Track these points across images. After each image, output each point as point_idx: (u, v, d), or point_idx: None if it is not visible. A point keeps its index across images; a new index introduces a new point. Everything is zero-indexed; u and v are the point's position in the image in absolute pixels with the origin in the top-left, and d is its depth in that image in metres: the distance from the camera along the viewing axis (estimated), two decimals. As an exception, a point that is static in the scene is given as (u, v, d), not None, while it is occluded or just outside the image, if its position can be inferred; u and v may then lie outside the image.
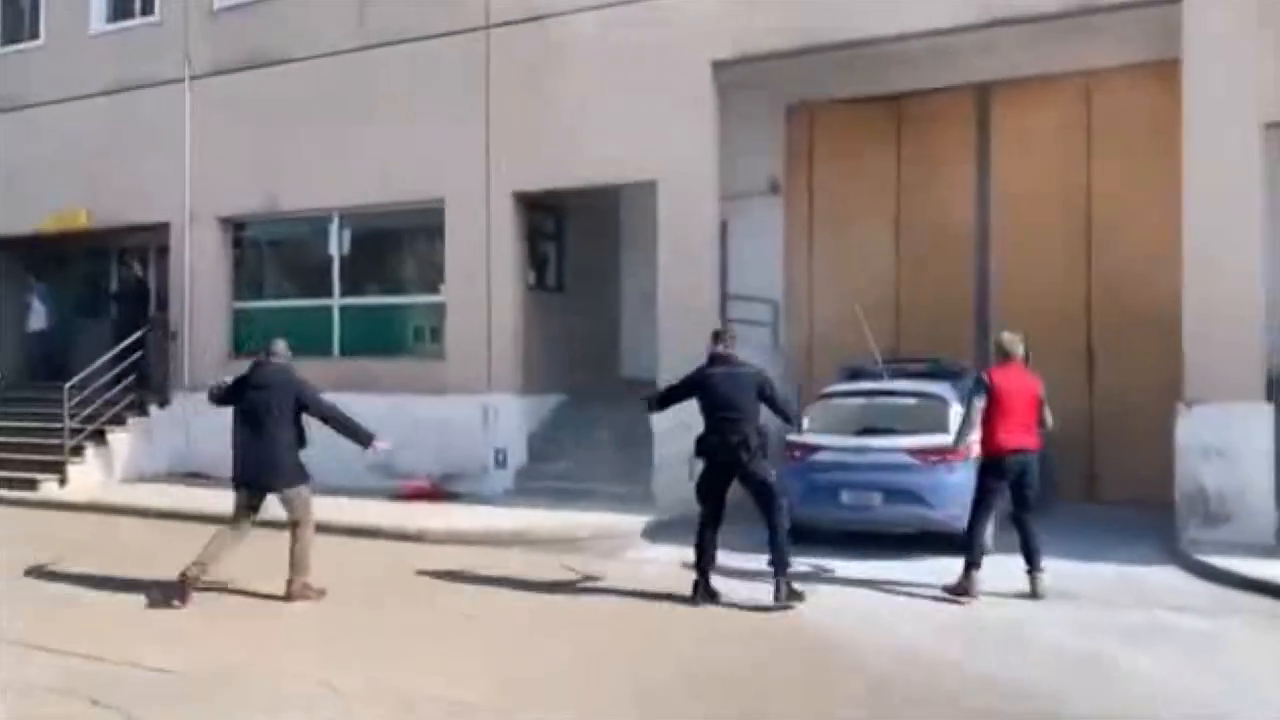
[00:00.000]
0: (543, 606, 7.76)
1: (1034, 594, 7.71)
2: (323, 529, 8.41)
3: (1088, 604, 7.56)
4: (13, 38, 16.96)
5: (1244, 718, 5.27)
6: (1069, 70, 11.96)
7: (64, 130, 15.83)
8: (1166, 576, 8.37)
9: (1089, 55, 11.49)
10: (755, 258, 13.67)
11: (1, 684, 5.84)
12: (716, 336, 8.23)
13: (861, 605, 7.65)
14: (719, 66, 11.51)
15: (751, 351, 12.77)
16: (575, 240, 14.22)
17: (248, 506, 7.90)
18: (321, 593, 7.77)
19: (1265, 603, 7.54)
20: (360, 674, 6.01)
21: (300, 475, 7.90)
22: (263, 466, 7.78)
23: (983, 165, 12.93)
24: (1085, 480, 11.88)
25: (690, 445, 8.01)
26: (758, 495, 7.70)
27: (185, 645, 6.65)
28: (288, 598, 7.70)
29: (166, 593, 7.68)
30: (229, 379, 8.35)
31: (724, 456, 7.64)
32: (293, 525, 7.86)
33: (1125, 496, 11.15)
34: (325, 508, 9.08)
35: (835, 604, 7.64)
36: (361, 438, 8.09)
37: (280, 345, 8.18)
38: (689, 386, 7.97)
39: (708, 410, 7.77)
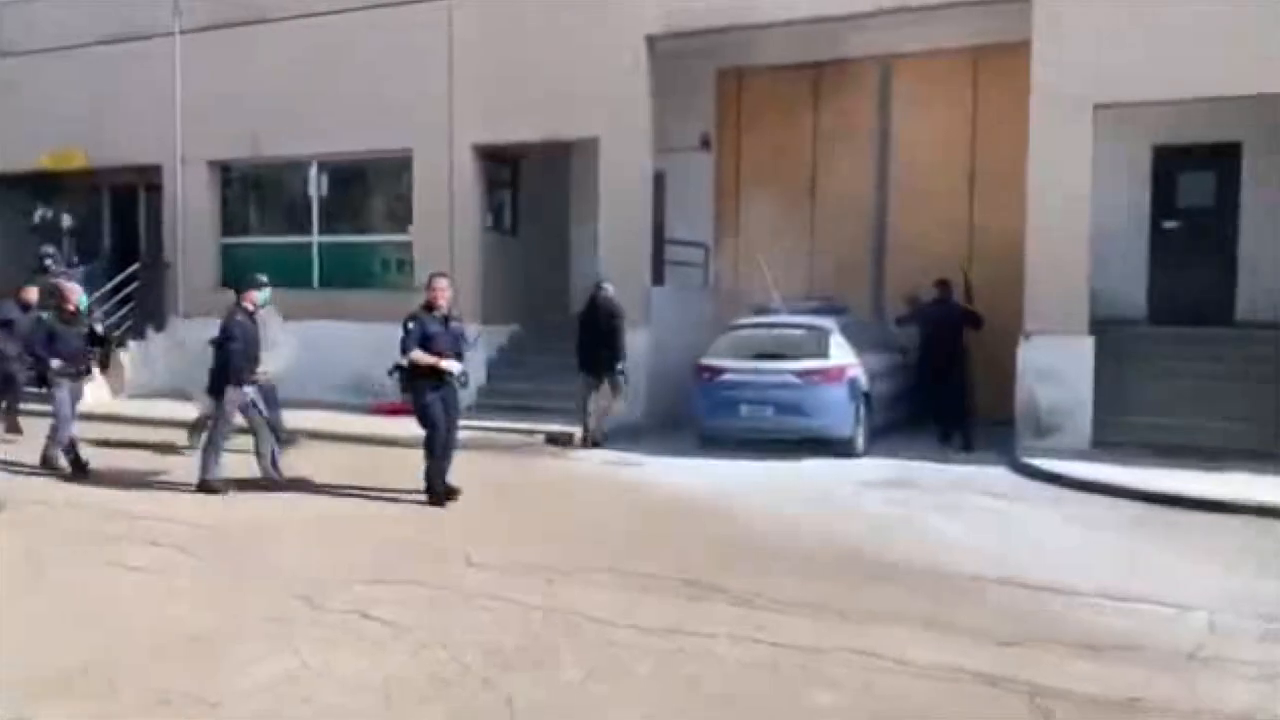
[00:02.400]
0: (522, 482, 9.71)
1: None
2: (318, 436, 10.26)
3: (920, 491, 9.59)
4: (12, -11, 18.23)
5: (994, 554, 7.26)
6: (958, 46, 13.79)
7: (64, 76, 17.18)
8: (994, 473, 10.42)
9: (974, 33, 13.26)
10: (689, 206, 15.54)
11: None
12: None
13: (750, 486, 9.62)
14: (652, 39, 13.20)
15: (685, 290, 14.83)
16: (529, 188, 15.97)
17: None
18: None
19: (1060, 491, 9.60)
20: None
21: None
22: None
23: (884, 129, 14.81)
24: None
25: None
26: None
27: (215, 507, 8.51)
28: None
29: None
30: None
31: None
32: None
33: (998, 415, 13.13)
34: (317, 420, 11.06)
35: (735, 486, 9.63)
36: None
37: None
38: None
39: None
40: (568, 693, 4.61)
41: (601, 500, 9.23)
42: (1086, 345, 11.23)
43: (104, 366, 10.18)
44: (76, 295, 10.55)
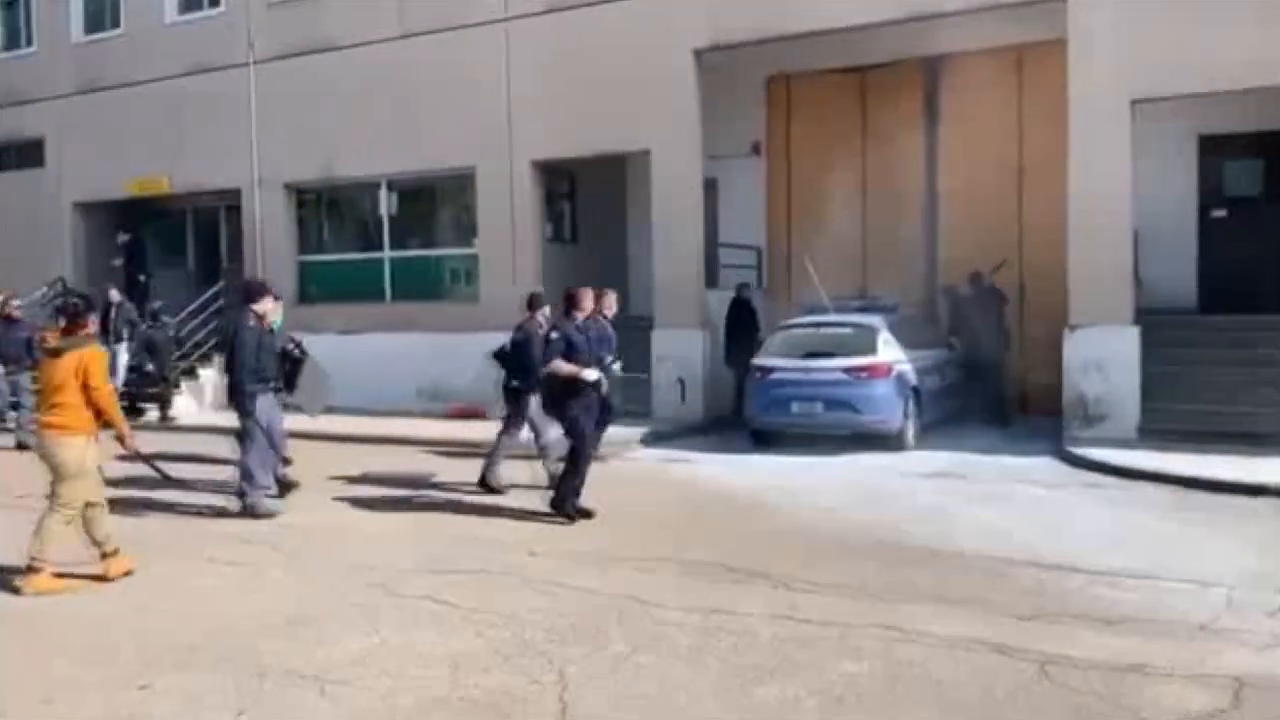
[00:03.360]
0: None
1: None
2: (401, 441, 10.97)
3: (965, 481, 9.94)
4: (95, 27, 19.39)
5: (1027, 539, 7.60)
6: (1002, 45, 14.04)
7: (145, 109, 18.27)
8: (1039, 464, 10.72)
9: (1017, 32, 13.49)
10: (741, 211, 16.02)
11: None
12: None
13: (799, 481, 10.07)
14: (699, 53, 13.70)
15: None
16: (587, 199, 16.60)
17: None
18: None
19: (1102, 478, 9.89)
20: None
21: None
22: None
23: (931, 129, 15.13)
24: (1019, 397, 14.17)
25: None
26: None
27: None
28: None
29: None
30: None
31: None
32: None
33: (1051, 409, 13.33)
34: (398, 426, 11.84)
35: (784, 480, 10.08)
36: None
37: None
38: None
39: None
40: (616, 663, 5.14)
41: (655, 495, 9.72)
42: (1132, 335, 11.45)
43: (290, 387, 9.67)
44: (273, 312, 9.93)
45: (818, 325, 12.22)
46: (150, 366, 15.42)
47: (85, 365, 6.60)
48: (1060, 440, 11.45)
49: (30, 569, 6.58)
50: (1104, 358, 11.48)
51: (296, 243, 17.62)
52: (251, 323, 8.97)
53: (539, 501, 8.83)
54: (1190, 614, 5.78)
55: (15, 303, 13.81)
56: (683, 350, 13.75)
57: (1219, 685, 4.72)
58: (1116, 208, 11.44)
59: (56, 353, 6.71)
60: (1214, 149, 13.17)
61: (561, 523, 8.32)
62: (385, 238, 16.85)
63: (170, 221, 20.33)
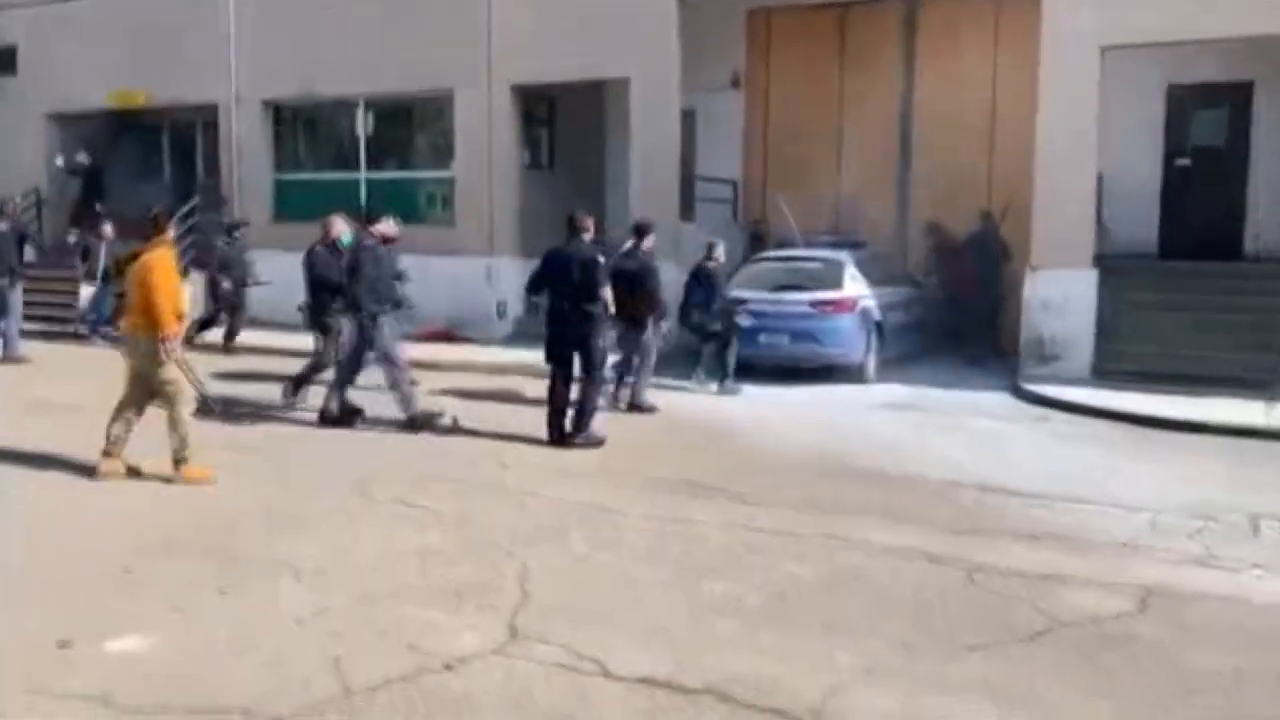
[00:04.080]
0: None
1: None
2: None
3: (921, 413, 10.32)
4: (76, -69, 19.05)
5: (973, 465, 7.98)
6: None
7: (122, 20, 18.03)
8: (994, 399, 11.09)
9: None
10: (719, 144, 16.14)
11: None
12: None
13: (762, 410, 10.41)
14: (682, -18, 13.75)
15: (714, 224, 15.47)
16: (565, 126, 16.65)
17: None
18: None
19: (1052, 413, 10.29)
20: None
21: None
22: None
23: (909, 69, 15.27)
24: (993, 334, 14.42)
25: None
26: None
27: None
28: None
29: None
30: None
31: None
32: None
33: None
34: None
35: (750, 410, 10.42)
36: None
37: None
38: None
39: None
40: (576, 560, 5.50)
41: (624, 422, 10.00)
42: (1089, 278, 11.79)
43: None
44: (338, 228, 10.04)
45: (787, 259, 12.49)
46: (226, 284, 13.88)
47: (148, 266, 6.94)
48: (1015, 377, 11.84)
49: (177, 462, 7.01)
50: (1062, 299, 11.82)
51: (273, 160, 17.60)
52: (370, 243, 9.14)
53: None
54: (1114, 533, 6.20)
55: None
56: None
57: (1128, 593, 5.12)
58: (1082, 153, 11.70)
59: (134, 258, 7.12)
60: (1182, 98, 13.43)
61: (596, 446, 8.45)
62: (362, 158, 16.87)
63: (146, 136, 20.20)
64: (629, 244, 10.52)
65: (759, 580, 5.21)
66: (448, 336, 15.00)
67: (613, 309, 8.91)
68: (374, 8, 15.73)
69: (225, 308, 13.98)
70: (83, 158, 18.80)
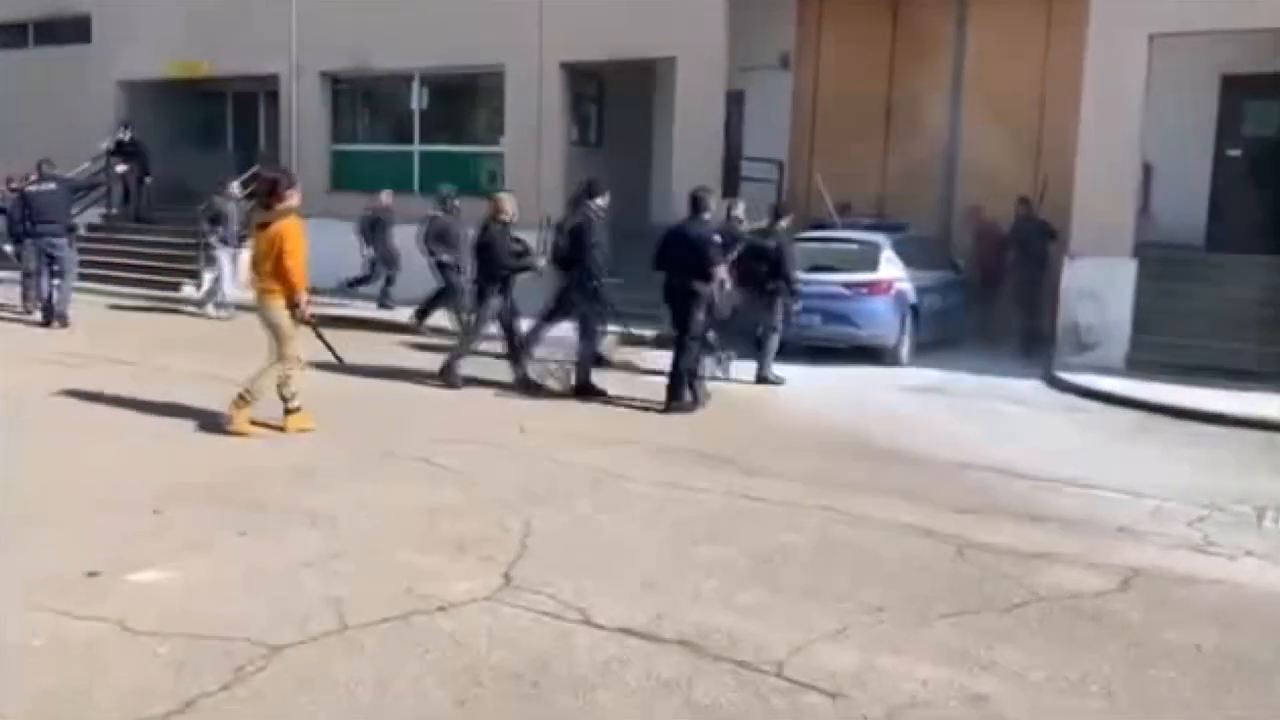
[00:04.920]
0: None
1: None
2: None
3: (949, 397, 10.38)
4: (143, -94, 19.62)
5: (989, 448, 8.05)
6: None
7: (188, -9, 18.59)
8: (1025, 385, 11.10)
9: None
10: (767, 124, 16.20)
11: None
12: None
13: (789, 387, 10.55)
14: (733, -40, 13.82)
15: (755, 204, 15.53)
16: (614, 104, 16.86)
17: None
18: None
19: (1081, 401, 10.31)
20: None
21: None
22: None
23: (959, 54, 15.18)
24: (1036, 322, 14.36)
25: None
26: None
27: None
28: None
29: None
30: None
31: None
32: None
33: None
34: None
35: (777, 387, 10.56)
36: None
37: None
38: None
39: None
40: (578, 520, 5.75)
41: (649, 392, 10.19)
42: (1129, 268, 11.72)
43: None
44: (510, 205, 10.14)
45: (824, 240, 12.56)
46: (446, 258, 13.02)
47: (281, 234, 7.30)
48: (1049, 364, 11.82)
49: (242, 400, 7.36)
50: (1100, 288, 11.77)
51: (330, 131, 18.04)
52: (594, 217, 9.70)
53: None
54: (1115, 518, 6.27)
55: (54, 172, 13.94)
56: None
57: (1113, 572, 5.22)
58: (1126, 142, 11.62)
59: (263, 225, 7.44)
60: (1236, 88, 13.20)
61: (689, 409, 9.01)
62: (416, 131, 17.25)
63: (210, 105, 20.79)
64: (764, 222, 11.00)
65: (750, 546, 5.40)
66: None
67: (728, 283, 9.44)
68: (430, -17, 16.03)
69: (446, 287, 13.10)
70: (124, 133, 18.68)
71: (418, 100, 17.25)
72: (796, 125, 16.45)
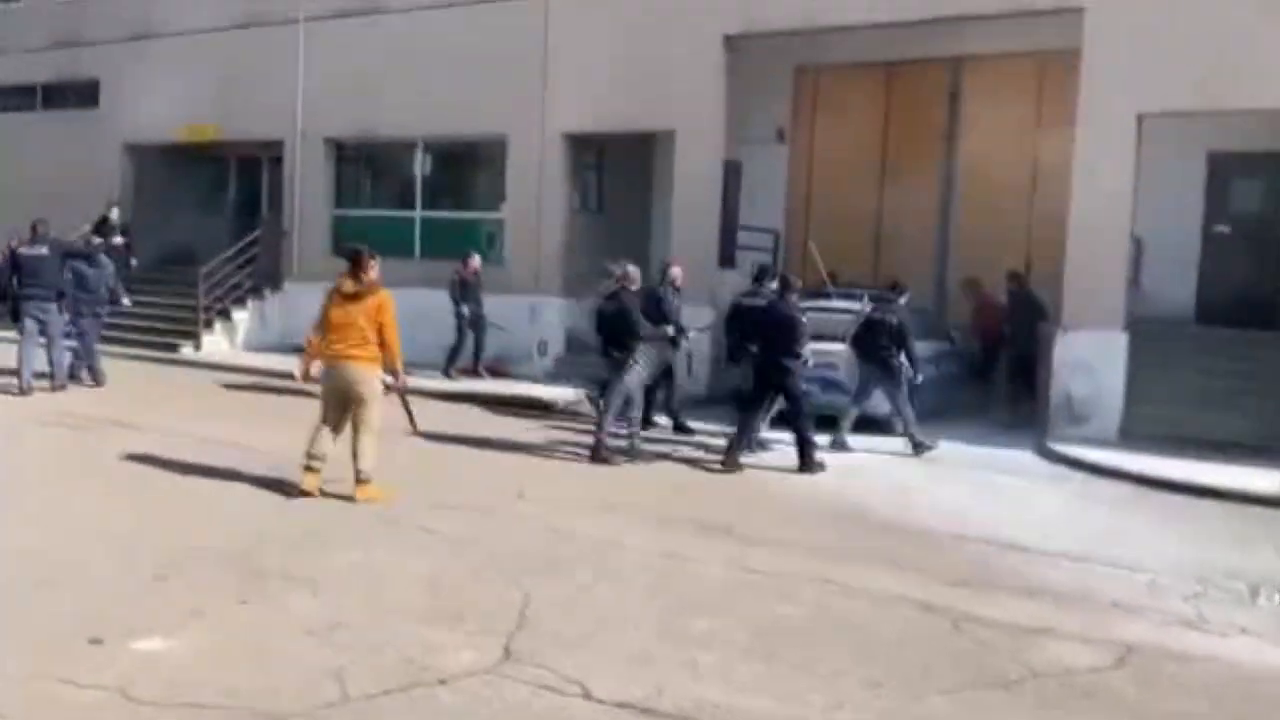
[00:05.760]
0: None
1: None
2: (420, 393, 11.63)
3: (942, 466, 10.45)
4: (156, -26, 20.12)
5: (983, 519, 8.11)
6: (1025, 51, 14.38)
7: (198, 57, 18.93)
8: (1018, 456, 11.16)
9: (1039, 40, 13.82)
10: (763, 195, 16.46)
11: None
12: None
13: (785, 455, 10.60)
14: (730, 39, 14.15)
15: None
16: (614, 172, 17.17)
17: None
18: None
19: (1073, 473, 10.37)
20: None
21: None
22: None
23: (952, 128, 15.52)
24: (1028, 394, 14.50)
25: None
26: None
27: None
28: None
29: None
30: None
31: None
32: None
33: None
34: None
35: (772, 454, 10.62)
36: None
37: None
38: None
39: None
40: (577, 590, 5.78)
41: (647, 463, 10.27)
42: (1120, 341, 11.86)
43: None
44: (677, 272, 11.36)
45: (819, 310, 12.70)
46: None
47: (382, 305, 7.59)
48: (1041, 436, 11.91)
49: (360, 481, 7.56)
50: (1092, 360, 11.90)
51: (333, 196, 18.28)
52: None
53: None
54: (1110, 592, 6.32)
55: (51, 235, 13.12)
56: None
57: (1109, 649, 5.27)
58: (1116, 217, 11.83)
59: (356, 296, 7.64)
60: (1223, 166, 13.50)
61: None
62: (418, 197, 17.50)
63: (213, 169, 21.09)
64: (886, 296, 11.54)
65: (749, 618, 5.44)
66: (502, 372, 15.43)
67: (811, 361, 10.17)
68: (435, 54, 16.37)
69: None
70: (112, 214, 17.90)
71: (420, 167, 17.54)
72: (792, 196, 16.75)
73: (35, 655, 4.51)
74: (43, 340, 12.45)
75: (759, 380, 10.11)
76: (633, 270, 10.49)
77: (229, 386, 13.86)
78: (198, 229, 19.99)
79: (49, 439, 9.62)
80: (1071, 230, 12.05)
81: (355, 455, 7.62)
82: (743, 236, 16.29)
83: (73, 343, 13.13)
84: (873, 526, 7.75)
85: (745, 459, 9.97)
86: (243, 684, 4.32)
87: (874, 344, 11.09)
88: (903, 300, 11.43)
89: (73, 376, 12.94)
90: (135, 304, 15.30)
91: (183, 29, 19.12)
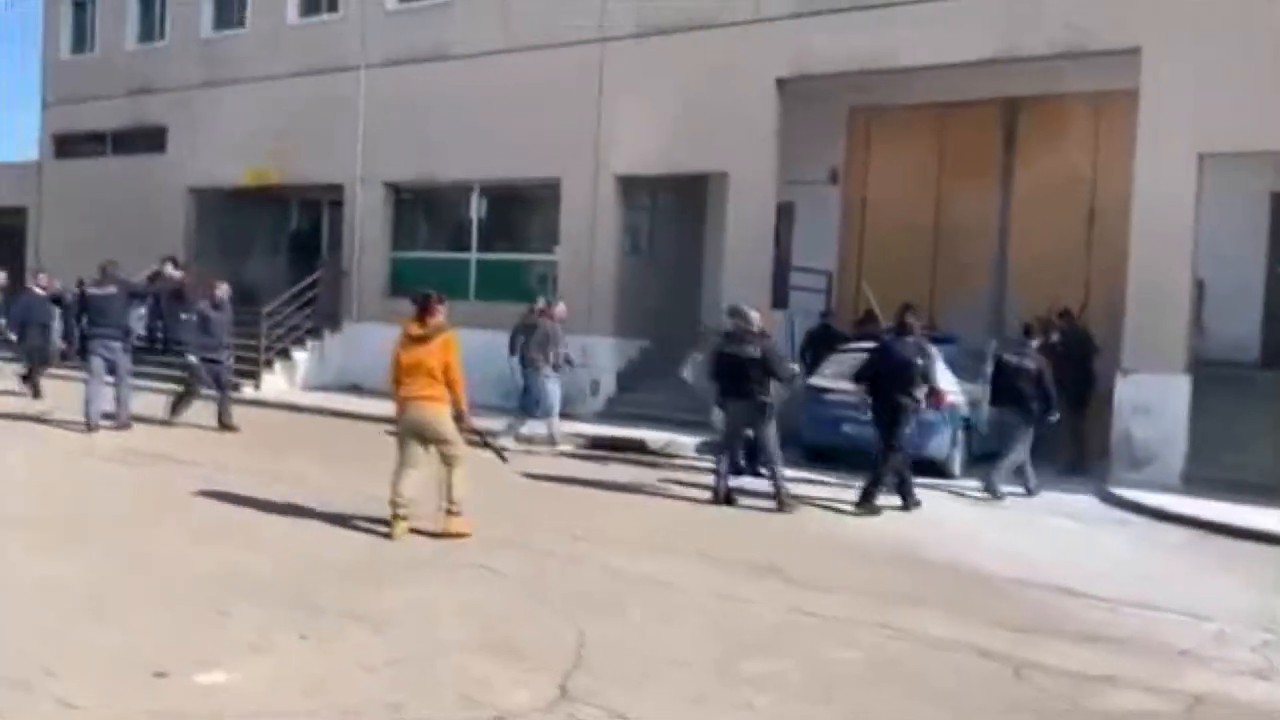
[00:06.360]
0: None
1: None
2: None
3: (1001, 510, 10.32)
4: (224, 24, 20.79)
5: (1042, 564, 7.98)
6: (1080, 91, 14.32)
7: (262, 104, 19.48)
8: (1079, 500, 11.00)
9: (1095, 80, 13.78)
10: (816, 235, 16.54)
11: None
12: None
13: (839, 496, 10.53)
14: (782, 82, 14.26)
15: (805, 314, 15.74)
16: (667, 215, 17.33)
17: None
18: None
19: (1135, 518, 10.18)
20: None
21: None
22: None
23: (1007, 169, 15.48)
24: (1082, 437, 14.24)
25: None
26: None
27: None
28: None
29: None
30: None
31: None
32: None
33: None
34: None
35: (828, 494, 10.57)
36: None
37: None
38: None
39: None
40: (630, 629, 5.77)
41: (700, 501, 10.27)
42: (1183, 384, 11.66)
43: None
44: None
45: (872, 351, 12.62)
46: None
47: (450, 347, 7.76)
48: (1103, 480, 11.70)
49: (450, 513, 7.72)
50: (1154, 404, 11.71)
51: (391, 238, 18.62)
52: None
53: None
54: (1176, 641, 6.17)
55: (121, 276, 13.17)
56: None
57: (1176, 698, 5.14)
58: (1178, 259, 11.68)
59: (423, 339, 7.80)
60: (1287, 206, 13.32)
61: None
62: (474, 239, 17.76)
63: (275, 212, 21.62)
64: (1021, 340, 11.53)
65: (804, 660, 5.39)
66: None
67: (923, 403, 10.24)
68: (491, 100, 16.69)
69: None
70: (168, 269, 16.66)
71: (476, 210, 17.83)
72: (845, 237, 16.78)
73: (101, 687, 4.60)
74: (110, 379, 12.67)
75: (878, 418, 10.15)
76: (754, 315, 10.30)
77: (291, 423, 14.07)
78: (259, 270, 20.46)
79: (114, 475, 9.84)
80: (1132, 272, 11.92)
81: (448, 488, 7.77)
82: (795, 277, 16.37)
83: (214, 392, 13.39)
84: (928, 569, 7.65)
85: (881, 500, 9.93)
86: (302, 718, 4.37)
87: (1012, 389, 11.13)
88: (1035, 343, 11.43)
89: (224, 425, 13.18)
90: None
91: (247, 76, 19.70)
